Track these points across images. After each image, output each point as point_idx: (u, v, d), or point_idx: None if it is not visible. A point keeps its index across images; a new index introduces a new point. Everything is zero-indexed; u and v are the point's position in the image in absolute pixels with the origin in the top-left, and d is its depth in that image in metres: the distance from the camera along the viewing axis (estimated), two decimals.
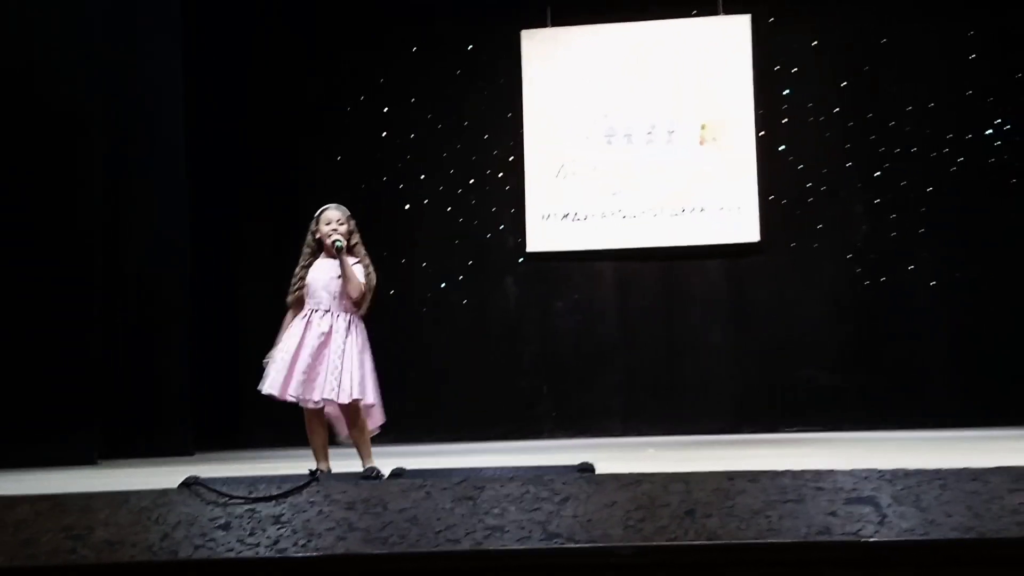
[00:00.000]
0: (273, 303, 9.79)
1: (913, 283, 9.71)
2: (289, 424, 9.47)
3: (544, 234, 10.01)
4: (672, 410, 9.77)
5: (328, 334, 4.62)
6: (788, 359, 9.79)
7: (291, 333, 4.65)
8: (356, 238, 4.80)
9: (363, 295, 4.68)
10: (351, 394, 4.55)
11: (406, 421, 8.03)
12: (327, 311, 4.66)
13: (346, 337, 4.64)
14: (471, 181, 10.24)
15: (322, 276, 4.70)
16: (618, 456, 6.27)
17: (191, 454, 8.48)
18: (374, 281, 4.76)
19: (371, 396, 4.64)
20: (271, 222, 10.29)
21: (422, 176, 10.28)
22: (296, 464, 5.28)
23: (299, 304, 4.74)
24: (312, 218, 4.83)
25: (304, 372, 4.55)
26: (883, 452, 6.09)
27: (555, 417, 9.91)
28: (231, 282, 10.27)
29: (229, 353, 10.06)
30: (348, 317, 4.68)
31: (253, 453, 8.84)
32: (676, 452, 6.99)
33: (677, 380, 9.90)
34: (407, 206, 10.15)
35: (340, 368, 4.56)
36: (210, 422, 9.40)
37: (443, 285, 10.08)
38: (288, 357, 4.58)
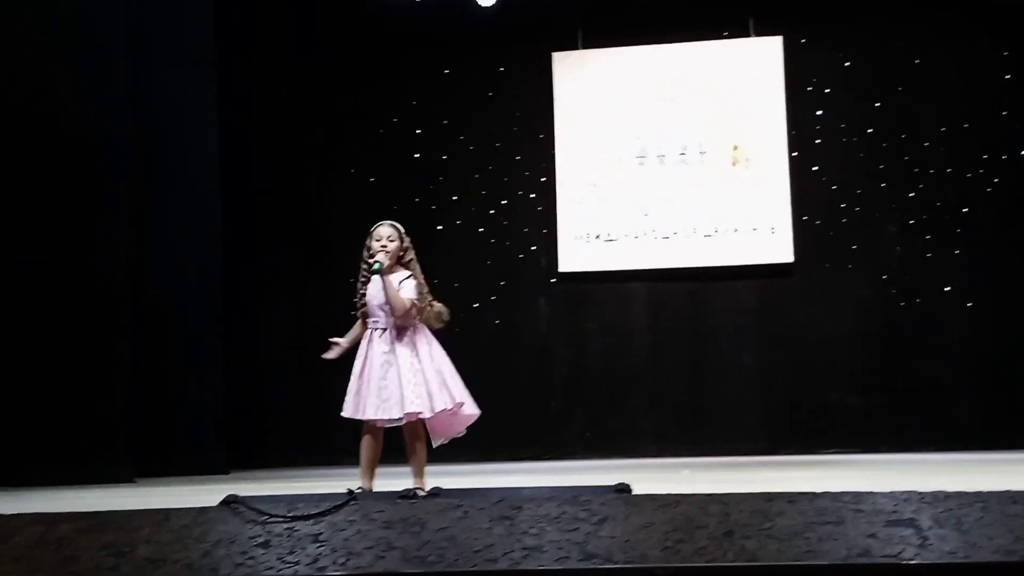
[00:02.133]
0: (301, 323, 9.98)
1: (948, 305, 9.63)
2: (319, 443, 9.64)
3: (576, 255, 10.02)
4: (703, 431, 9.73)
5: (392, 352, 4.68)
6: (820, 381, 9.73)
7: (358, 355, 4.73)
8: (410, 254, 4.87)
9: (407, 312, 4.72)
10: (432, 407, 4.62)
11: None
12: (385, 329, 4.73)
13: (411, 352, 4.70)
14: (503, 202, 10.28)
15: (377, 294, 4.76)
16: (651, 477, 6.24)
17: (226, 472, 8.53)
18: (429, 303, 4.80)
19: (459, 397, 4.71)
20: (303, 244, 10.37)
21: (454, 197, 10.32)
22: (331, 483, 5.31)
23: (364, 321, 4.81)
24: (367, 234, 4.89)
25: (377, 393, 4.62)
26: (917, 474, 6.03)
27: (587, 438, 9.89)
28: (262, 304, 10.31)
29: (260, 373, 10.14)
30: (408, 332, 4.73)
31: (287, 472, 8.88)
32: (710, 473, 6.97)
33: (708, 401, 9.85)
34: (439, 227, 10.19)
35: (424, 382, 4.62)
36: (244, 441, 9.46)
37: (475, 306, 10.10)
38: (357, 379, 4.66)
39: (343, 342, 4.82)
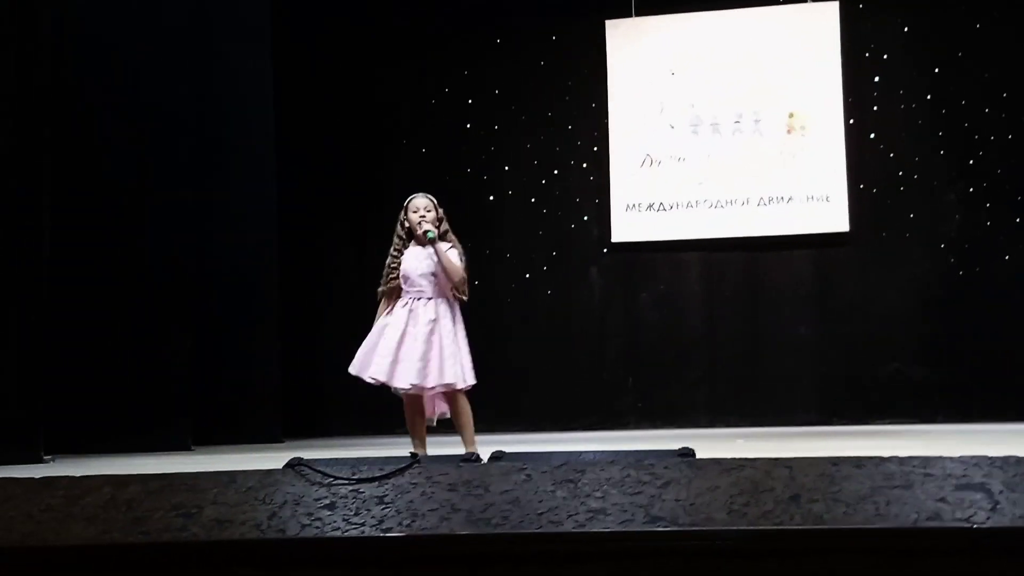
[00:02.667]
0: (356, 295, 10.04)
1: (1008, 274, 9.47)
2: (373, 412, 9.69)
3: (629, 225, 9.97)
4: (758, 402, 9.67)
5: (436, 320, 4.68)
6: (877, 351, 9.62)
7: (393, 323, 4.71)
8: (445, 225, 4.87)
9: (464, 279, 4.73)
10: (469, 379, 4.63)
11: (488, 412, 8.03)
12: (429, 298, 4.72)
13: (454, 323, 4.70)
14: (555, 172, 10.24)
15: (418, 264, 4.75)
16: (707, 447, 6.19)
17: (281, 441, 8.62)
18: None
19: (471, 378, 4.73)
20: (356, 215, 10.43)
21: (506, 168, 10.31)
22: (384, 451, 5.33)
23: (393, 293, 4.80)
24: (400, 208, 4.89)
25: (419, 360, 4.62)
26: (978, 444, 5.93)
27: (640, 409, 9.87)
28: (317, 274, 10.40)
29: (315, 343, 10.23)
30: (449, 302, 4.73)
31: (340, 440, 8.96)
32: (765, 443, 6.92)
33: (763, 372, 9.79)
34: (491, 197, 10.19)
35: (459, 353, 4.63)
36: (297, 410, 9.55)
37: (527, 276, 10.09)
38: (393, 345, 4.65)
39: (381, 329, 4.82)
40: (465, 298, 4.79)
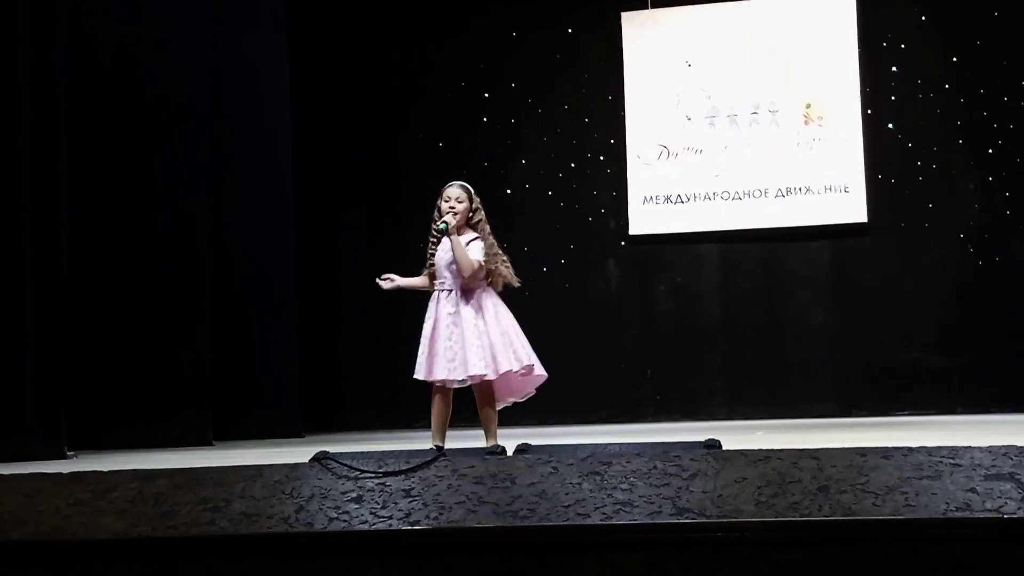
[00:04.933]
0: (373, 289, 9.98)
1: None
2: (392, 406, 9.72)
3: (646, 217, 9.95)
4: (777, 393, 9.64)
5: (457, 313, 4.69)
6: (895, 342, 9.58)
7: (427, 317, 4.76)
8: (479, 215, 4.86)
9: (475, 273, 4.72)
10: (497, 369, 4.63)
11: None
12: (451, 290, 4.74)
13: (476, 314, 4.70)
14: (572, 165, 10.23)
15: (444, 255, 4.77)
16: (727, 439, 6.18)
17: (301, 435, 8.64)
18: (500, 257, 4.80)
19: (525, 359, 4.72)
20: (373, 208, 10.44)
21: (522, 161, 10.29)
22: (404, 445, 5.33)
23: (432, 281, 4.84)
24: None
25: (444, 353, 4.64)
26: (1000, 435, 5.91)
27: (658, 401, 9.86)
28: (334, 268, 10.41)
29: (333, 338, 10.25)
30: (474, 293, 4.74)
31: (360, 435, 8.96)
32: (785, 435, 6.90)
33: (781, 363, 9.76)
34: (508, 191, 10.17)
35: (484, 343, 4.63)
36: (317, 405, 9.57)
37: (544, 269, 10.08)
38: (427, 340, 4.68)
39: (396, 278, 4.91)
40: (498, 288, 4.79)
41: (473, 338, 4.65)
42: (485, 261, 4.76)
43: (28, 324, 6.53)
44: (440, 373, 4.65)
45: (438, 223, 4.77)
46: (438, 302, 4.76)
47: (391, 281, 4.91)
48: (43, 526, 3.64)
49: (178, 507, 3.66)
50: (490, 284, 4.81)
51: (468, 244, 4.77)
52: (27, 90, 6.62)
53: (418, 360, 4.75)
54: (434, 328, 4.71)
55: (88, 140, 7.63)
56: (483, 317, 4.72)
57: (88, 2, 7.84)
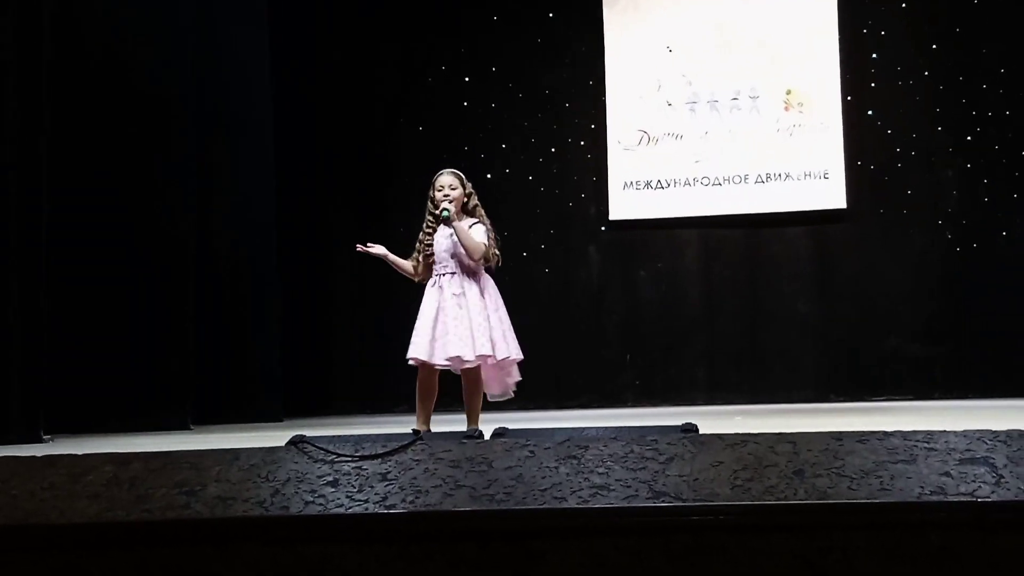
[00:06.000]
0: (356, 273, 10.03)
1: (1006, 250, 9.46)
2: (374, 391, 9.71)
3: (626, 202, 9.95)
4: (757, 380, 9.67)
5: (462, 295, 4.69)
6: (875, 328, 9.62)
7: (427, 301, 4.73)
8: (474, 200, 4.87)
9: (485, 255, 4.74)
10: (506, 351, 4.64)
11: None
12: (454, 273, 4.74)
13: (482, 296, 4.71)
14: (552, 150, 10.21)
15: (444, 241, 4.78)
16: (706, 424, 6.19)
17: (280, 420, 8.62)
18: (494, 244, 4.81)
19: (516, 351, 4.73)
20: (355, 194, 10.39)
21: (503, 146, 10.26)
22: (386, 428, 5.33)
23: (428, 270, 4.81)
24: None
25: (449, 335, 4.63)
26: (979, 420, 5.93)
27: (639, 386, 9.87)
28: (318, 255, 10.37)
29: (316, 322, 10.23)
30: (476, 277, 4.75)
31: (341, 420, 8.95)
32: (764, 420, 6.92)
33: (761, 349, 9.78)
34: (488, 175, 10.12)
35: (487, 327, 4.63)
36: (298, 390, 9.55)
37: (525, 255, 10.05)
38: (430, 323, 4.65)
39: (383, 249, 4.87)
40: (492, 264, 4.80)
41: (480, 320, 4.66)
42: (489, 244, 4.79)
43: (9, 310, 6.50)
44: (446, 354, 4.62)
45: (439, 211, 4.76)
46: (440, 286, 4.74)
47: (377, 248, 4.88)
48: (17, 510, 3.61)
49: (153, 491, 3.64)
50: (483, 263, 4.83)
51: (470, 228, 4.77)
52: (10, 82, 6.59)
53: (416, 342, 4.68)
54: (438, 311, 4.68)
55: (71, 134, 7.63)
56: (484, 302, 4.74)
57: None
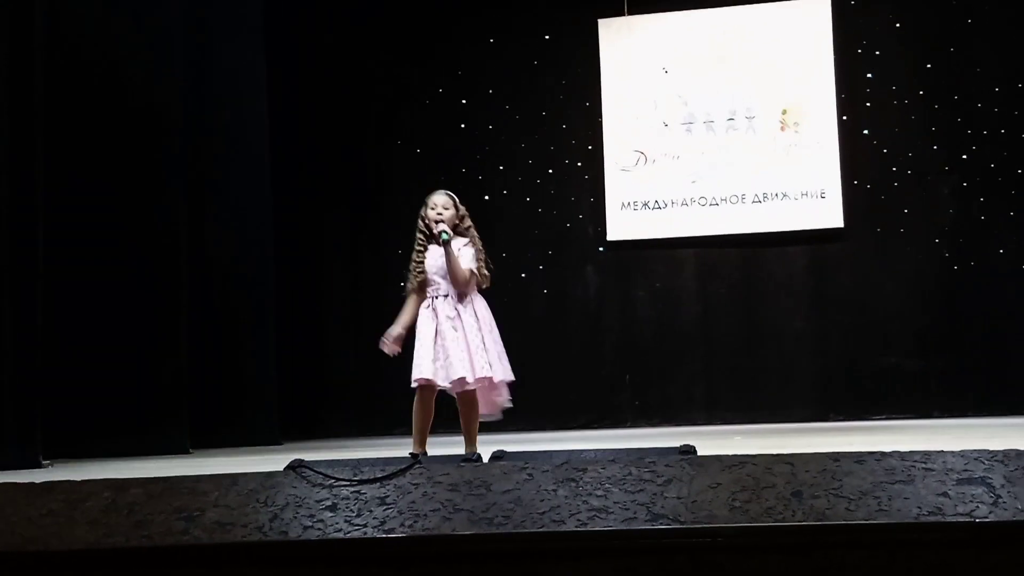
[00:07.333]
0: (352, 295, 10.04)
1: (1003, 268, 9.49)
2: (371, 413, 9.70)
3: (624, 223, 9.98)
4: (755, 398, 9.68)
5: (457, 317, 4.68)
6: (873, 346, 9.63)
7: (424, 322, 4.70)
8: (467, 221, 4.87)
9: (468, 281, 4.73)
10: (502, 373, 4.64)
11: None
12: (447, 295, 4.73)
13: (476, 318, 4.71)
14: (550, 171, 10.24)
15: (436, 262, 4.76)
16: (705, 444, 6.19)
17: (279, 443, 8.61)
18: (483, 265, 4.80)
19: (509, 373, 4.73)
20: (351, 215, 10.42)
21: (500, 167, 10.30)
22: (382, 453, 5.32)
23: (421, 291, 4.79)
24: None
25: (450, 358, 4.62)
26: (977, 438, 5.96)
27: (637, 406, 9.87)
28: (314, 275, 10.39)
29: (313, 345, 10.23)
30: (468, 297, 4.74)
31: (338, 442, 8.95)
32: (763, 439, 6.92)
33: (760, 368, 9.79)
34: (486, 197, 10.16)
35: (482, 348, 4.63)
36: (295, 412, 9.55)
37: (523, 275, 10.08)
38: (430, 344, 4.64)
39: (401, 331, 4.76)
40: (485, 285, 4.79)
41: (477, 341, 4.66)
42: (476, 268, 4.77)
43: (4, 332, 6.49)
44: (453, 375, 4.60)
45: (436, 232, 4.75)
46: (434, 309, 4.73)
47: (398, 337, 4.79)
48: (15, 537, 3.61)
49: (152, 516, 3.63)
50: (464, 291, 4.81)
51: (460, 250, 4.77)
52: (4, 92, 6.58)
53: (420, 365, 4.65)
54: (437, 333, 4.67)
55: (66, 146, 7.61)
56: (478, 323, 4.73)
57: (67, 8, 7.81)
